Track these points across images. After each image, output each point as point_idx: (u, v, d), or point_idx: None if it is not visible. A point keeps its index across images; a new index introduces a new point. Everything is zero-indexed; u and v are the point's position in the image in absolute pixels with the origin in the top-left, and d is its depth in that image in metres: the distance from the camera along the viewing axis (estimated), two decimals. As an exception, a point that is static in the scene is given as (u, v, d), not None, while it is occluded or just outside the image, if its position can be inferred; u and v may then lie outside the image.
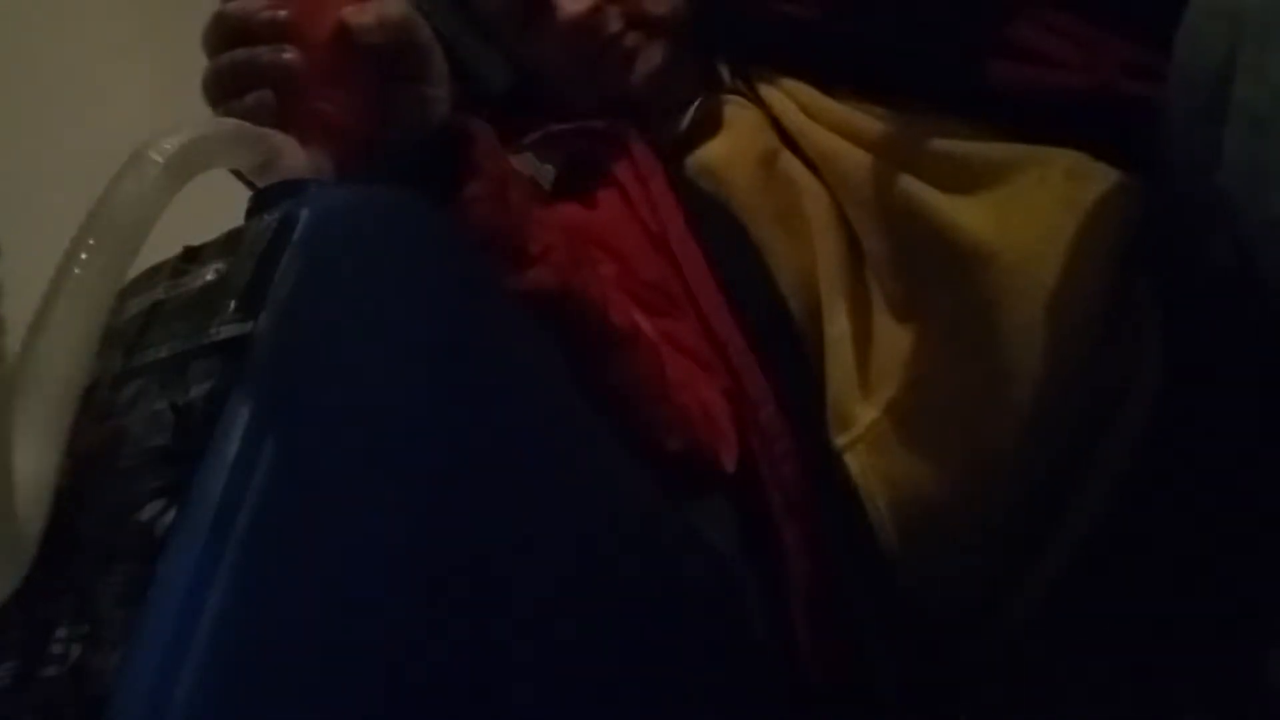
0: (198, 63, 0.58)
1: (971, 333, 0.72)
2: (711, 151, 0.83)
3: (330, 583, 0.42)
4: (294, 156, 0.52)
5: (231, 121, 0.51)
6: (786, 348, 0.77)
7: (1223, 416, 0.67)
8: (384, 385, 0.47)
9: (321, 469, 0.43)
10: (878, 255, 0.77)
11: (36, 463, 0.38)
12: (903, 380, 0.74)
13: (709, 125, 0.84)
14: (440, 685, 0.45)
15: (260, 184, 0.51)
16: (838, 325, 0.76)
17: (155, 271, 0.50)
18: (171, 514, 0.40)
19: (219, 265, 0.47)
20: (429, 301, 0.51)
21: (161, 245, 0.47)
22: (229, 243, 0.48)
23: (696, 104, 0.84)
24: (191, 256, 0.49)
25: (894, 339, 0.75)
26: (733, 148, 0.82)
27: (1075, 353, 0.71)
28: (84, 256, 0.40)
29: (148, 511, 0.41)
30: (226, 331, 0.44)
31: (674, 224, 0.79)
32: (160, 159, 0.43)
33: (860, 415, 0.75)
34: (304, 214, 0.47)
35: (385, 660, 0.43)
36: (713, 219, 0.80)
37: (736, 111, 0.84)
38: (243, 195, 0.52)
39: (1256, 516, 0.67)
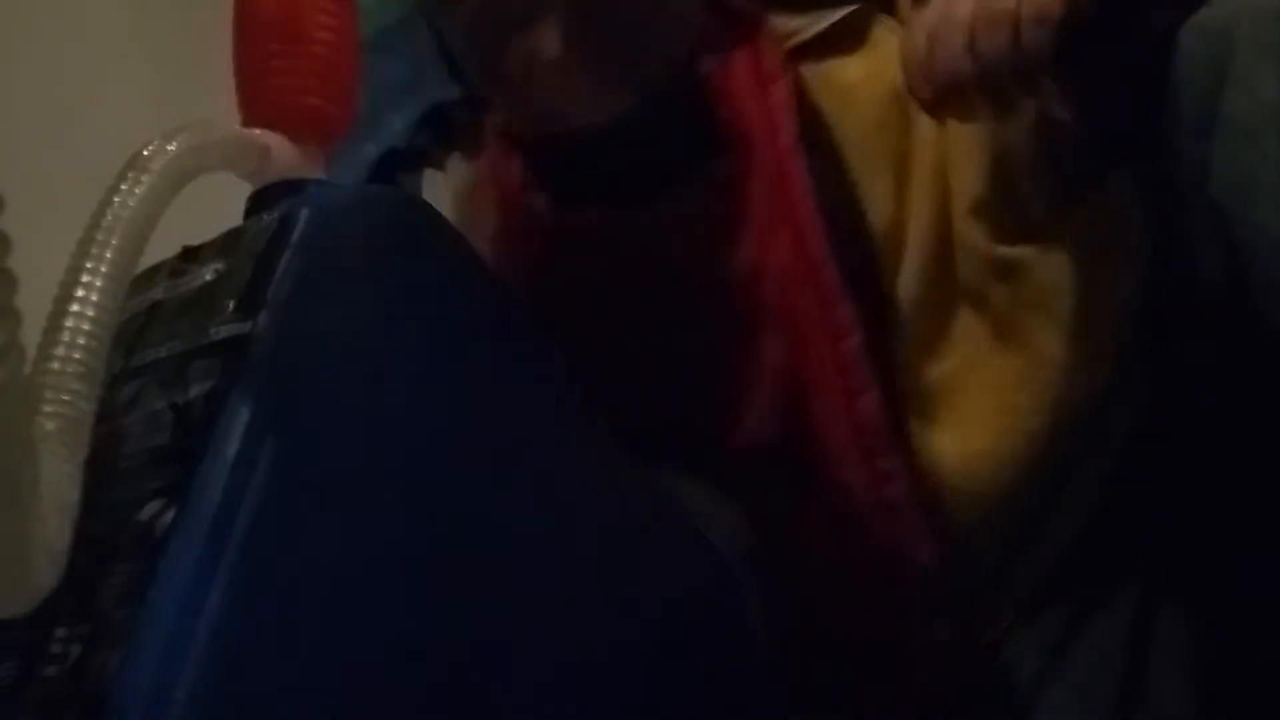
0: (198, 63, 0.58)
1: (1016, 321, 0.71)
2: (844, 70, 0.77)
3: (330, 582, 0.42)
4: (286, 156, 0.52)
5: (227, 126, 0.51)
6: (870, 291, 0.73)
7: (1212, 423, 0.67)
8: (383, 385, 0.47)
9: (321, 469, 0.44)
10: (960, 227, 0.73)
11: (61, 471, 0.38)
12: (955, 354, 0.73)
13: (851, 39, 0.77)
14: (439, 684, 0.45)
15: (254, 185, 0.51)
16: (908, 282, 0.73)
17: (154, 271, 0.50)
18: (171, 514, 0.40)
19: (218, 265, 0.47)
20: (428, 301, 0.51)
21: (161, 245, 0.47)
22: (228, 243, 0.48)
23: (847, 11, 0.77)
24: (190, 256, 0.49)
25: (957, 313, 0.73)
26: (867, 73, 0.76)
27: (1105, 354, 0.70)
28: (89, 265, 0.40)
29: (148, 511, 0.41)
30: (226, 331, 0.44)
31: (785, 136, 0.73)
32: (158, 164, 0.43)
33: (909, 380, 0.73)
34: (303, 214, 0.47)
35: (385, 659, 0.43)
36: (818, 143, 0.74)
37: (884, 35, 0.77)
38: (241, 195, 0.52)
39: (1246, 516, 0.67)
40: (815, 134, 0.74)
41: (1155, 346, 0.70)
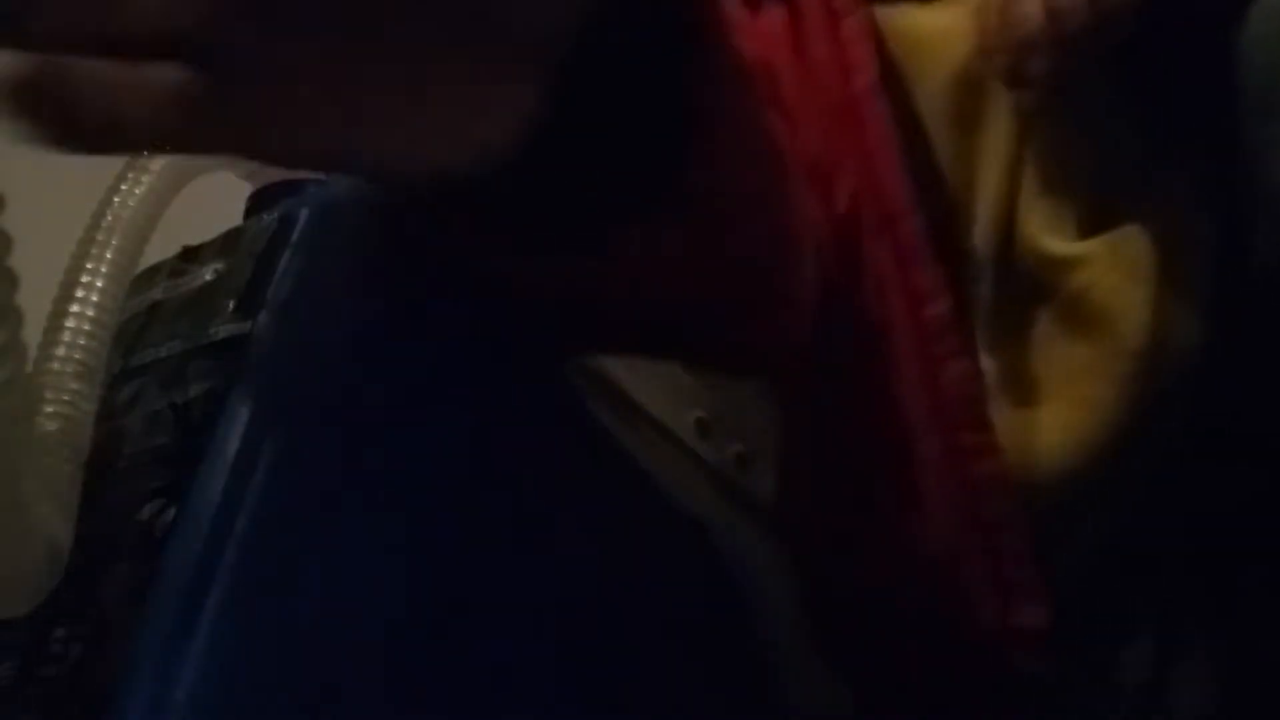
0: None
1: (1091, 310, 0.65)
2: (920, 18, 0.70)
3: (330, 583, 0.42)
4: None
5: None
6: (949, 256, 0.67)
7: (1242, 421, 0.65)
8: (384, 384, 0.47)
9: (321, 469, 0.43)
10: (1025, 217, 0.67)
11: (61, 471, 0.38)
12: (1022, 338, 0.67)
13: None
14: (440, 686, 0.45)
15: (253, 184, 0.51)
16: (981, 239, 0.68)
17: (154, 272, 0.50)
18: (171, 513, 0.40)
19: (218, 265, 0.47)
20: (429, 301, 0.51)
21: (161, 245, 0.47)
22: (228, 243, 0.48)
23: None
24: (190, 256, 0.49)
25: (1023, 294, 0.67)
26: (949, 26, 0.69)
27: (1184, 346, 0.66)
28: (89, 265, 0.40)
29: (147, 511, 0.41)
30: (225, 331, 0.44)
31: (862, 75, 0.66)
32: (158, 164, 0.43)
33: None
34: (303, 214, 0.47)
35: (385, 661, 0.43)
36: (892, 90, 0.68)
37: None
38: (241, 195, 0.52)
39: (1273, 522, 0.65)
40: (889, 80, 0.67)
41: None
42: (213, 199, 0.55)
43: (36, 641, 0.40)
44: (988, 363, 0.67)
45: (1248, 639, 0.67)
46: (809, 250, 0.60)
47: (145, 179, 0.43)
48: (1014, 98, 0.67)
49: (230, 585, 0.39)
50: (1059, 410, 0.65)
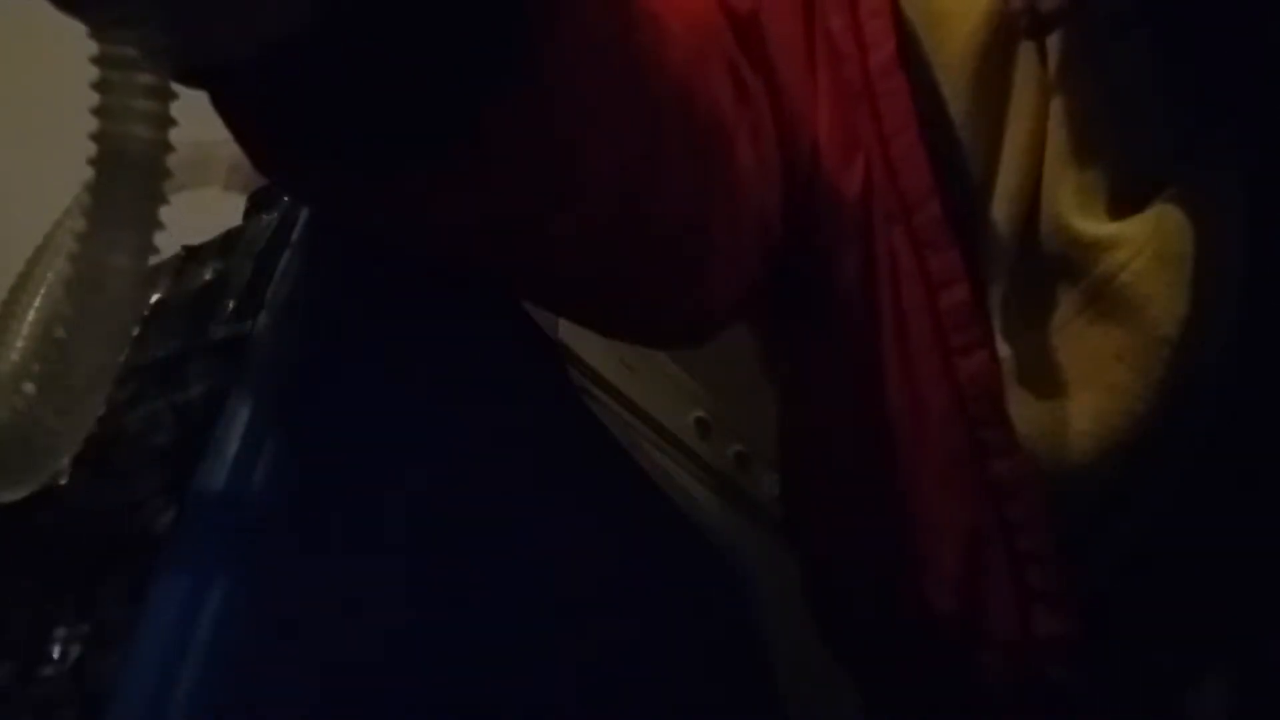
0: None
1: (1120, 293, 0.61)
2: None
3: (331, 582, 0.42)
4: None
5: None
6: (969, 239, 0.64)
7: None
8: (384, 385, 0.47)
9: (321, 469, 0.44)
10: (1051, 194, 0.64)
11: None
12: (1044, 322, 0.64)
13: None
14: (441, 686, 0.45)
15: (240, 192, 0.50)
16: (1002, 219, 0.64)
17: (154, 271, 0.50)
18: (171, 513, 0.40)
19: (217, 265, 0.47)
20: (429, 301, 0.51)
21: (161, 245, 0.47)
22: (228, 243, 0.48)
23: None
24: (190, 256, 0.49)
25: (1047, 275, 0.64)
26: None
27: (1217, 332, 0.60)
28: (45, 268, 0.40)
29: (147, 511, 0.41)
30: (226, 331, 0.44)
31: (880, 50, 0.64)
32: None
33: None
34: (303, 214, 0.47)
35: (386, 660, 0.43)
36: (911, 65, 0.65)
37: None
38: (241, 195, 0.52)
39: None
40: (908, 54, 0.65)
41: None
42: (212, 199, 0.55)
43: (36, 641, 0.40)
44: (1005, 350, 0.64)
45: (1272, 646, 0.65)
46: (744, 217, 0.57)
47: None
48: (1039, 65, 0.63)
49: (230, 585, 0.39)
50: (1085, 401, 0.62)
